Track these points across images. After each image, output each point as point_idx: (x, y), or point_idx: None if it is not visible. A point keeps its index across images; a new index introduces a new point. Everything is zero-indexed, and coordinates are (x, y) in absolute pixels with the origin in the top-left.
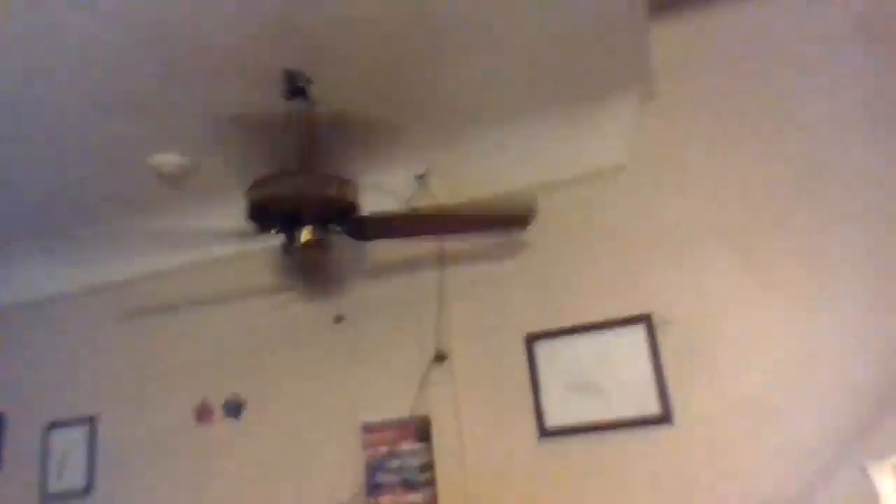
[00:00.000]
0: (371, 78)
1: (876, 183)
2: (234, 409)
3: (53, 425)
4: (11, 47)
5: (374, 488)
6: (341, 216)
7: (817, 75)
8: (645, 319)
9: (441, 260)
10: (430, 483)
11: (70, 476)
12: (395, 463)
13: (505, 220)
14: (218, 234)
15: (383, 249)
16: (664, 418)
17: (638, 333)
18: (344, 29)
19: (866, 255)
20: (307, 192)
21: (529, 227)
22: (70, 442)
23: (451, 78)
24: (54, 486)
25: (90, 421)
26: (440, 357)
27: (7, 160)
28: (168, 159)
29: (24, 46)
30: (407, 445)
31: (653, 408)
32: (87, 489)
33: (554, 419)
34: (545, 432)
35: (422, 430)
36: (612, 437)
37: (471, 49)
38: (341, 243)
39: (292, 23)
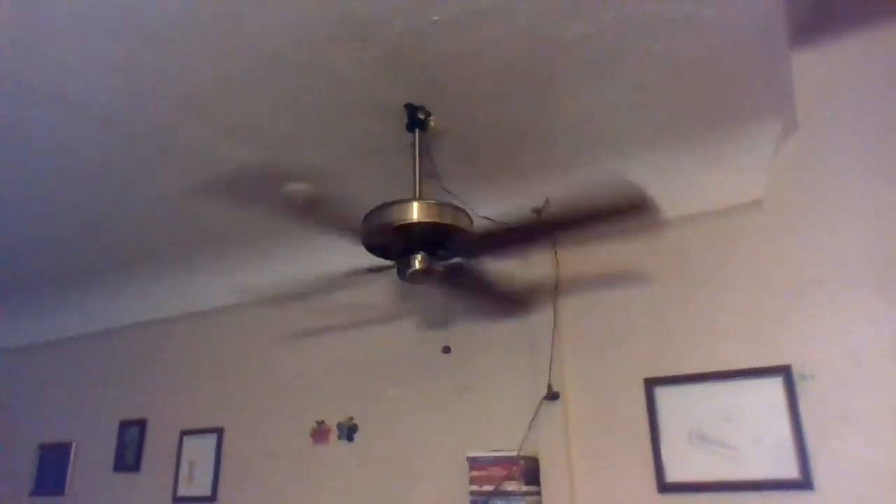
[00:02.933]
0: (489, 109)
1: None
2: (349, 431)
3: (186, 433)
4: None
5: None
6: (455, 243)
7: None
8: (783, 371)
9: (556, 291)
10: None
11: (199, 482)
12: (500, 502)
13: (623, 210)
14: (344, 274)
15: (498, 278)
16: (803, 483)
17: (774, 386)
18: (461, 62)
19: None
20: (421, 220)
21: (650, 215)
22: (200, 450)
23: (564, 111)
24: (184, 490)
25: (218, 432)
26: (552, 395)
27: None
28: (299, 187)
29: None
30: (514, 485)
31: (790, 470)
32: (213, 496)
33: (675, 473)
34: (665, 487)
35: (530, 471)
36: (741, 499)
37: (593, 77)
38: (457, 273)
39: (412, 57)
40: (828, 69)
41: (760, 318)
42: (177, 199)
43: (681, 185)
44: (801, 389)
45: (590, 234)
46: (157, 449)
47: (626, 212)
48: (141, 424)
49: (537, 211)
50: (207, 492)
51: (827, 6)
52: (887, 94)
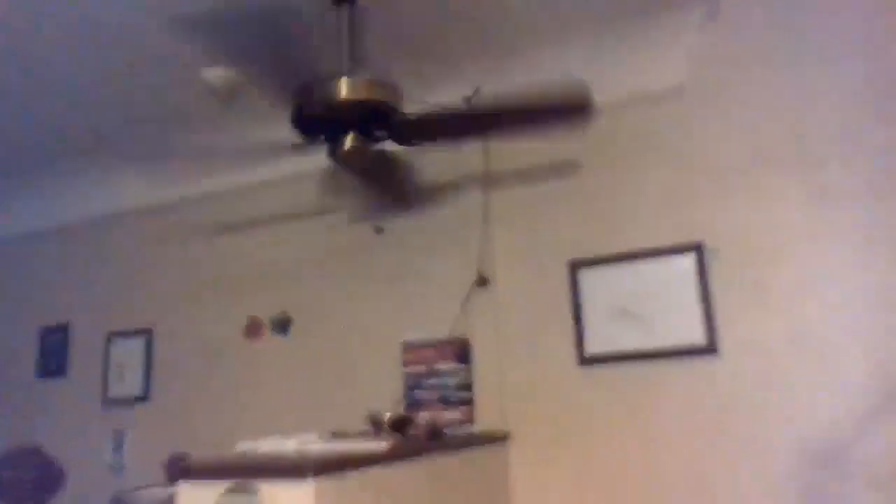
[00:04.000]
0: None
1: None
2: (282, 325)
3: (113, 335)
4: None
5: (412, 405)
6: (386, 122)
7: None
8: (695, 247)
9: (486, 180)
10: (468, 402)
11: (129, 383)
12: (433, 381)
13: (561, 112)
14: (267, 148)
15: (428, 169)
16: (709, 349)
17: (688, 262)
18: None
19: None
20: (351, 96)
21: (589, 120)
22: (129, 351)
23: None
24: (115, 391)
25: (147, 332)
26: (482, 281)
27: (55, 69)
28: (218, 73)
29: None
30: (446, 365)
31: (698, 338)
32: (145, 396)
33: (595, 346)
34: (585, 359)
35: (461, 351)
36: (653, 366)
37: None
38: (387, 161)
39: None
40: None
41: (678, 200)
42: (95, 85)
43: (609, 71)
44: (712, 265)
45: (525, 130)
46: (82, 353)
47: (566, 112)
48: (63, 329)
49: (468, 99)
50: (139, 391)
51: None
52: None
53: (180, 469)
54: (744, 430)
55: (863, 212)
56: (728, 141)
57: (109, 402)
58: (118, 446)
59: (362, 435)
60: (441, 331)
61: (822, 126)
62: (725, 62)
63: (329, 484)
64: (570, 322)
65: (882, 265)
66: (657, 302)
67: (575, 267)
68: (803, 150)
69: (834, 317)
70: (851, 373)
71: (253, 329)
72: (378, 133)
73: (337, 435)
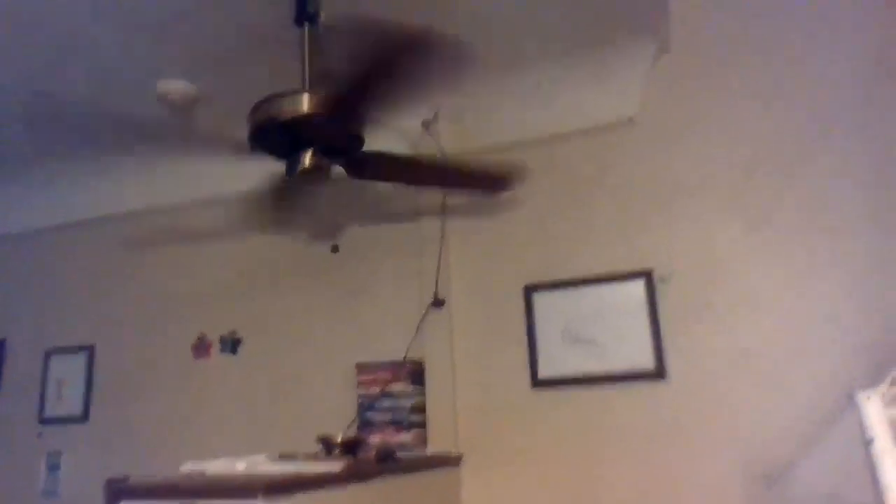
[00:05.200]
0: (382, 10)
1: (884, 142)
2: (232, 344)
3: (52, 352)
4: None
5: (364, 426)
6: (343, 146)
7: (830, 30)
8: (645, 274)
9: (444, 204)
10: (421, 425)
11: (68, 402)
12: (386, 403)
13: (487, 181)
14: (228, 145)
15: (386, 190)
16: (657, 373)
17: (637, 288)
18: None
19: (873, 214)
20: (311, 112)
21: (511, 190)
22: (68, 369)
23: (459, 16)
24: (52, 410)
25: (88, 349)
26: (438, 302)
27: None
28: (175, 85)
29: None
30: (399, 387)
31: (647, 362)
32: (84, 416)
33: (548, 369)
34: (538, 382)
35: (415, 373)
36: (604, 390)
37: None
38: (344, 181)
39: None
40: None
41: (629, 227)
42: (41, 94)
43: (564, 101)
44: (661, 291)
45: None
46: (19, 370)
47: (493, 185)
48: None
49: (427, 124)
50: (78, 411)
51: None
52: (748, 23)
53: (120, 490)
54: (690, 451)
55: (802, 239)
56: (675, 170)
57: (45, 422)
58: (53, 469)
59: (313, 456)
60: (395, 352)
61: (762, 157)
62: (673, 95)
63: None
64: (524, 345)
65: (822, 289)
66: (608, 326)
67: (529, 291)
68: (746, 179)
69: (776, 339)
70: (794, 394)
71: (201, 347)
72: (335, 160)
73: (287, 456)
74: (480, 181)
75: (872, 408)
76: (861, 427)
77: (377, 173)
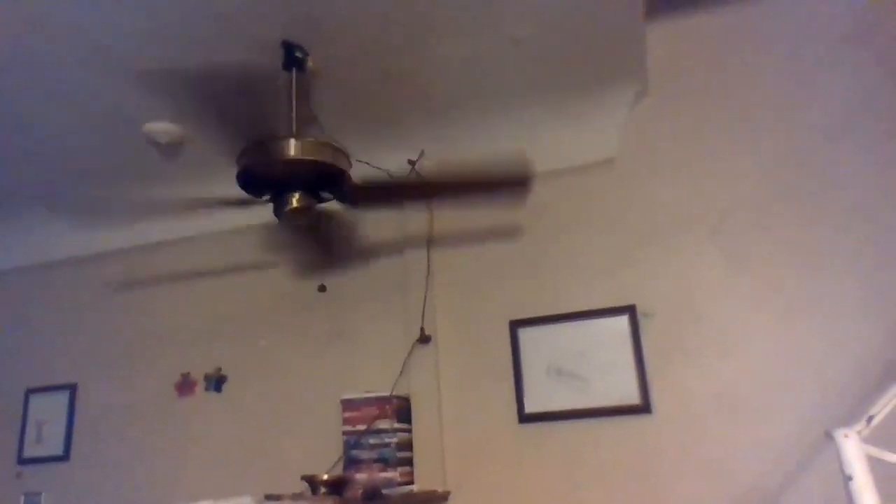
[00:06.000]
0: (367, 56)
1: (863, 184)
2: (216, 382)
3: (33, 391)
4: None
5: (350, 465)
6: (332, 184)
7: (808, 74)
8: (629, 310)
9: (430, 241)
10: (408, 462)
11: (48, 442)
12: (372, 440)
13: (503, 184)
14: (210, 202)
15: (372, 227)
16: (643, 408)
17: (621, 323)
18: (341, 3)
19: (850, 256)
20: (298, 157)
21: (528, 193)
22: (49, 408)
23: (443, 61)
24: (31, 451)
25: (70, 388)
26: (425, 338)
27: None
28: (162, 127)
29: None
30: (386, 423)
31: (632, 397)
32: (65, 455)
33: (534, 405)
34: (525, 417)
35: (402, 410)
36: (590, 425)
37: (460, 33)
38: (331, 220)
39: None
40: (679, 39)
41: (611, 264)
42: (29, 135)
43: (546, 141)
44: (644, 326)
45: (467, 199)
46: None
47: (507, 184)
48: None
49: (412, 163)
50: (59, 451)
51: None
52: (727, 65)
53: None
54: (675, 486)
55: (780, 279)
56: (655, 210)
57: (24, 462)
58: None
59: (298, 497)
60: (381, 388)
61: (741, 198)
62: (653, 135)
63: None
64: (510, 380)
65: (800, 329)
66: (594, 361)
67: (515, 326)
68: (724, 219)
69: (756, 376)
70: (776, 431)
71: (185, 385)
72: (324, 194)
73: (272, 497)
74: (496, 185)
75: (850, 445)
76: (840, 464)
77: (372, 198)
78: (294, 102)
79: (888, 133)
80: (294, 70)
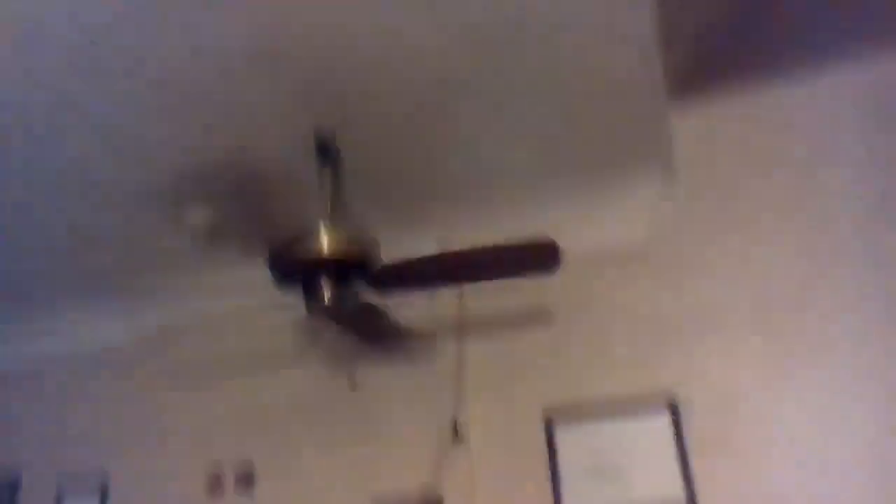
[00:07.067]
0: (397, 144)
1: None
2: (246, 481)
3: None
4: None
5: None
6: (363, 271)
7: (835, 160)
8: (669, 404)
9: (460, 328)
10: None
11: None
12: None
13: (531, 258)
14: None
15: (402, 314)
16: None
17: (662, 418)
18: (370, 95)
19: (883, 341)
20: (330, 252)
21: (558, 266)
22: None
23: (469, 149)
24: None
25: (101, 489)
26: (457, 435)
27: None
28: (201, 214)
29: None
30: None
31: (677, 495)
32: None
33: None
34: None
35: None
36: None
37: (488, 120)
38: (362, 309)
39: (323, 91)
40: (705, 127)
41: (648, 357)
42: (66, 226)
43: (574, 228)
44: (685, 420)
45: (496, 277)
46: None
47: (534, 261)
48: (13, 486)
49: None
50: None
51: (705, 66)
52: (754, 151)
53: None
54: None
55: (820, 371)
56: (690, 301)
57: None
58: None
59: None
60: (413, 484)
61: (777, 287)
62: (684, 221)
63: None
64: (546, 478)
65: (848, 425)
66: (635, 458)
67: (550, 423)
68: (761, 310)
69: (804, 481)
70: None
71: (214, 485)
72: (355, 282)
73: None
74: (524, 261)
75: None
76: None
77: (401, 281)
78: (326, 194)
79: None
80: (326, 163)
